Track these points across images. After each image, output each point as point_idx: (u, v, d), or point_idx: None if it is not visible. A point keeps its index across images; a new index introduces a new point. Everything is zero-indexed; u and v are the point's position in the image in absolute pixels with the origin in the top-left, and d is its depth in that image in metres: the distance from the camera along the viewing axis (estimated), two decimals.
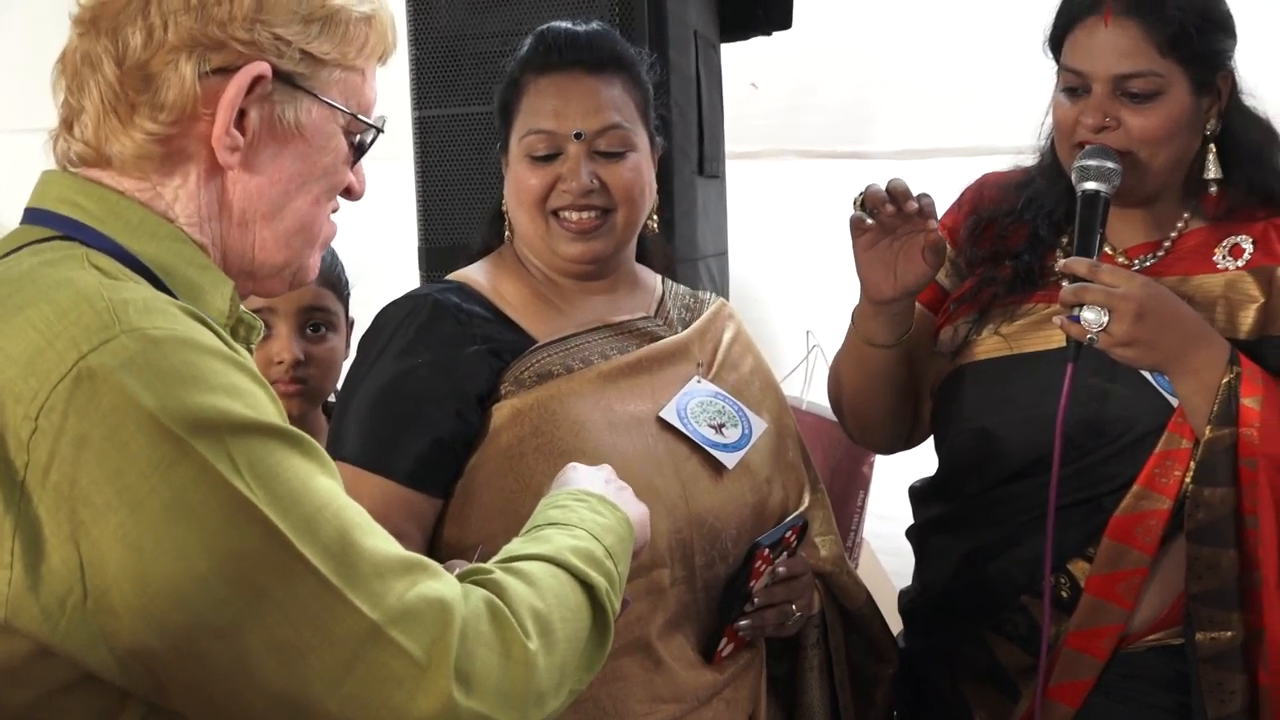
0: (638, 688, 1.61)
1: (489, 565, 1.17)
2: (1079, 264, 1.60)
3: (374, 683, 1.01)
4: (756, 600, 1.63)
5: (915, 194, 1.68)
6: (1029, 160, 1.84)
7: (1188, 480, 1.64)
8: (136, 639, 0.98)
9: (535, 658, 1.08)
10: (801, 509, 1.76)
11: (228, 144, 1.11)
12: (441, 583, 1.06)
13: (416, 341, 1.63)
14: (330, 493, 1.05)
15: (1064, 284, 1.62)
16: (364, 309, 1.82)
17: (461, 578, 1.12)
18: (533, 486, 1.55)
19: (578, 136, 1.65)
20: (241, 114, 1.11)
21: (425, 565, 1.07)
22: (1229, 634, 1.61)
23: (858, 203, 1.71)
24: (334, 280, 1.97)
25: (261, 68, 1.10)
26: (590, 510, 1.27)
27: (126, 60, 1.11)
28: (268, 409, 1.04)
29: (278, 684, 1.00)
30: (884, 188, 1.68)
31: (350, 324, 2.00)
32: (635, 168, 1.67)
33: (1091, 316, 1.59)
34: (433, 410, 1.61)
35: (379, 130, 1.21)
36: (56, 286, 1.03)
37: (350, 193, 1.21)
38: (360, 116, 1.18)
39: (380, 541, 1.06)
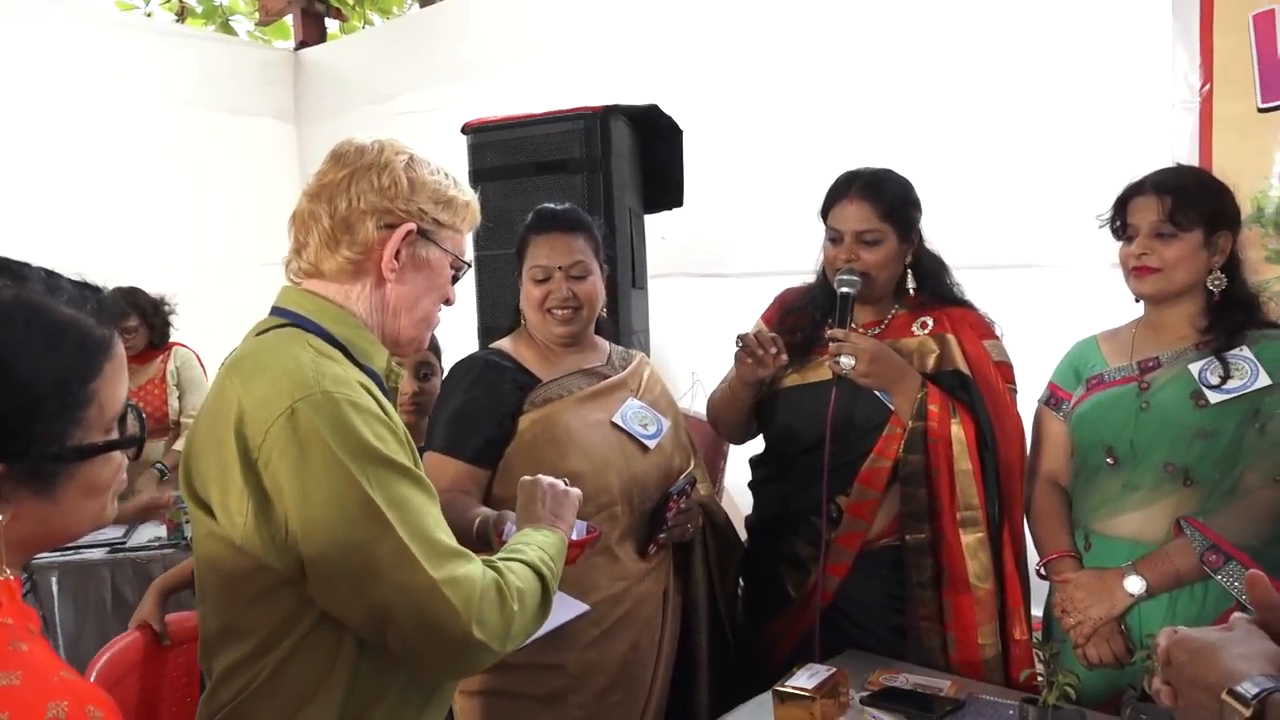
0: (603, 573, 1.63)
1: (498, 557, 1.11)
2: (838, 332, 1.68)
3: (433, 617, 0.97)
4: (670, 524, 1.66)
5: (765, 340, 1.69)
6: (811, 278, 1.86)
7: (900, 450, 1.70)
8: (308, 558, 0.97)
9: (516, 615, 1.04)
10: (690, 469, 1.78)
11: (390, 267, 1.09)
12: (473, 566, 1.01)
13: (477, 381, 1.66)
14: (424, 505, 1.00)
15: (831, 344, 1.68)
16: (447, 361, 1.84)
17: (486, 561, 1.07)
18: (545, 462, 1.58)
19: (560, 268, 1.67)
20: (397, 252, 1.09)
21: (466, 555, 1.02)
22: (922, 535, 1.70)
23: (739, 344, 1.71)
24: (434, 347, 2.04)
25: (411, 225, 1.09)
26: (541, 537, 1.18)
27: (336, 216, 1.09)
28: (396, 449, 1.00)
29: (380, 605, 0.96)
30: (753, 337, 1.70)
31: (441, 371, 2.03)
32: (594, 285, 1.70)
33: (845, 361, 1.66)
34: (486, 420, 1.62)
35: (468, 265, 1.19)
36: (287, 357, 1.01)
37: (448, 301, 1.18)
38: (460, 258, 1.16)
39: (445, 536, 1.01)
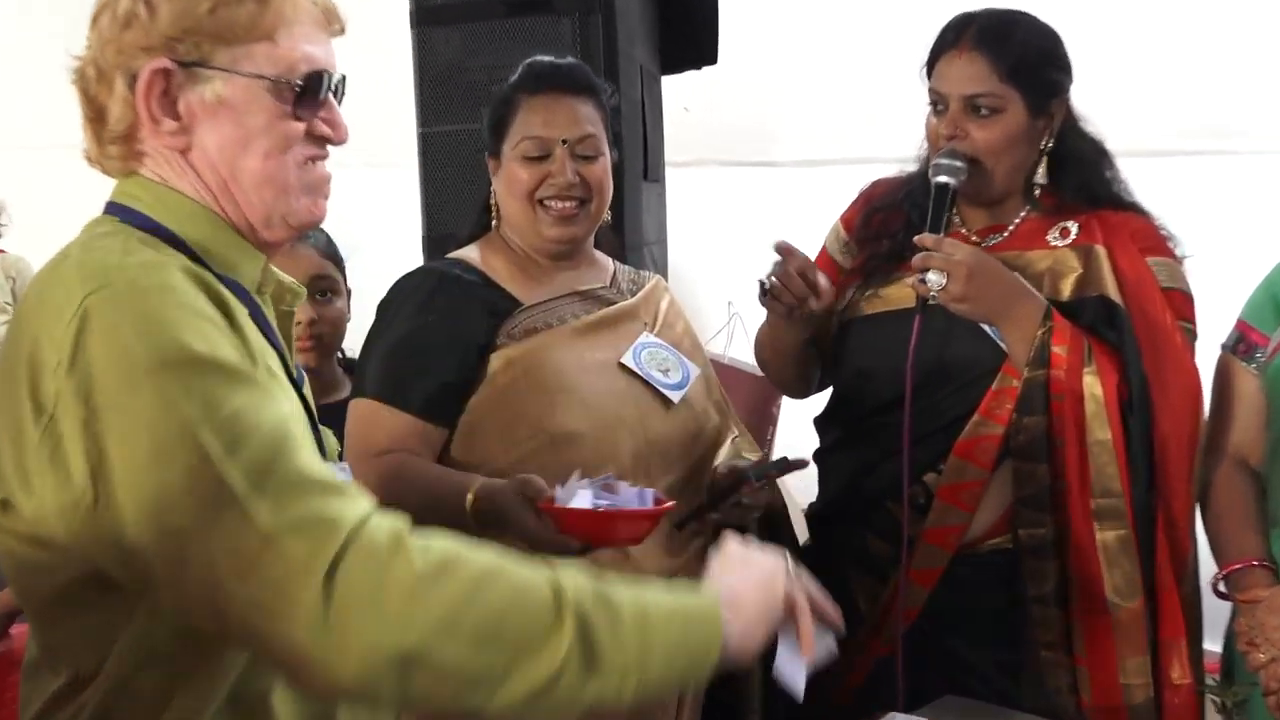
0: (608, 576, 1.50)
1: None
2: (926, 238, 1.58)
3: (269, 583, 0.87)
4: (731, 502, 1.61)
5: (794, 281, 1.64)
6: (912, 167, 1.79)
7: (1014, 411, 1.61)
8: (123, 531, 0.88)
9: (416, 583, 0.87)
10: (764, 456, 1.74)
11: (166, 130, 1.00)
12: (347, 504, 0.90)
13: (427, 303, 1.59)
14: (269, 423, 0.91)
15: (916, 257, 1.60)
16: (377, 283, 1.74)
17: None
18: (526, 417, 1.54)
19: (564, 142, 1.61)
20: (172, 105, 1.00)
21: (342, 489, 0.92)
22: (1043, 530, 1.61)
23: (762, 291, 1.67)
24: (332, 255, 1.88)
25: (160, 64, 0.98)
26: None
27: (88, 93, 1.01)
28: (228, 353, 0.92)
29: (203, 582, 0.87)
30: (777, 282, 1.64)
31: (349, 292, 1.91)
32: (605, 168, 1.65)
33: (934, 278, 1.56)
34: (442, 357, 1.57)
35: (324, 73, 1.03)
36: (88, 253, 0.96)
37: (326, 138, 1.06)
38: (284, 74, 1.01)
39: (306, 462, 0.92)
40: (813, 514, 1.87)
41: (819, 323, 1.75)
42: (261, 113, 1.02)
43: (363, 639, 0.85)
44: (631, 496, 1.39)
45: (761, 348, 1.87)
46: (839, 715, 1.58)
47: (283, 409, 0.94)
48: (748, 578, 1.00)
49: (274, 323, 1.07)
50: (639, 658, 0.91)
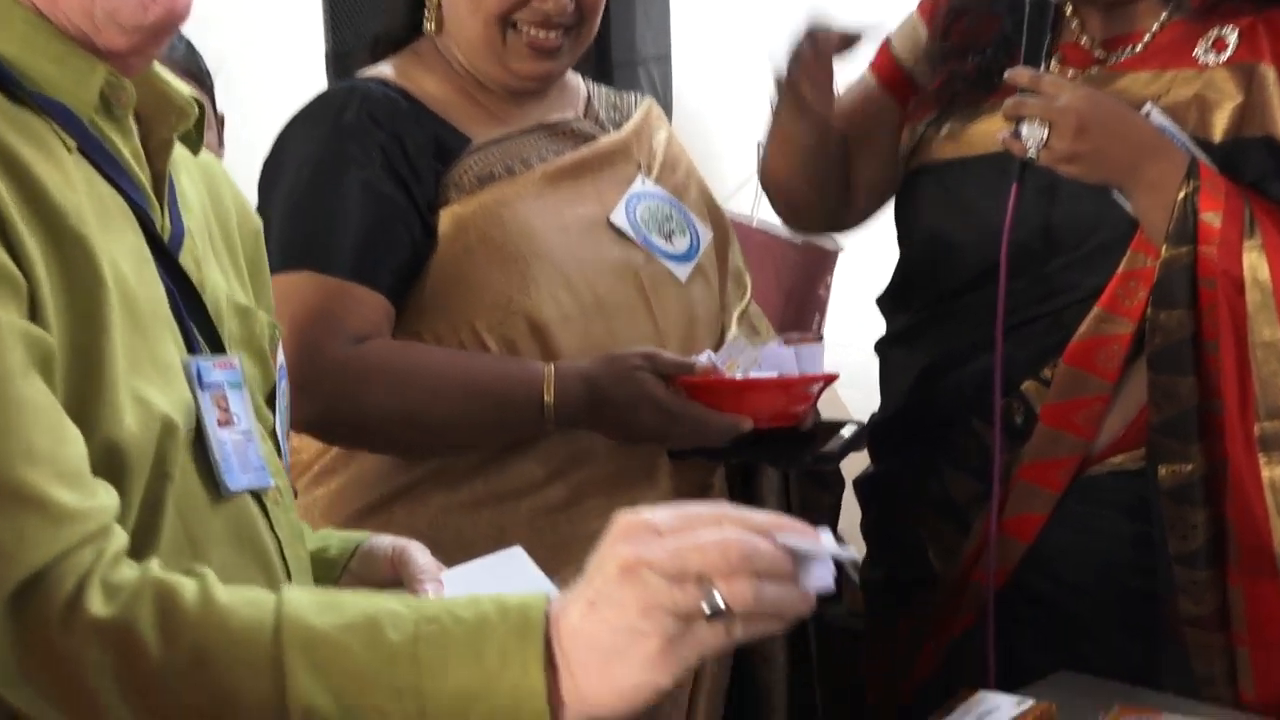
0: (601, 524, 1.57)
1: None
2: (1021, 75, 1.49)
3: None
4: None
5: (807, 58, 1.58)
6: None
7: (1148, 302, 1.52)
8: None
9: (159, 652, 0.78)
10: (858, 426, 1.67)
11: None
12: (86, 497, 0.80)
13: (340, 137, 1.48)
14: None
15: (1009, 100, 1.51)
16: (264, 113, 1.65)
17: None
18: (487, 296, 1.47)
19: None
20: None
21: (72, 477, 0.80)
22: (1189, 467, 1.50)
23: (774, 92, 1.62)
24: (195, 72, 1.76)
25: None
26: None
27: None
28: None
29: None
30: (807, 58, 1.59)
31: (221, 120, 1.82)
32: None
33: (1031, 132, 1.48)
34: (403, 218, 1.46)
35: None
36: None
37: None
38: None
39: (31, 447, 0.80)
40: (873, 430, 1.79)
41: (866, 123, 1.71)
42: None
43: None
44: (786, 358, 1.42)
45: (770, 171, 1.79)
46: (906, 707, 1.57)
47: (44, 344, 0.83)
48: (619, 603, 0.77)
49: (135, 157, 0.97)
50: None
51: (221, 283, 0.99)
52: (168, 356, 0.88)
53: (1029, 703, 1.31)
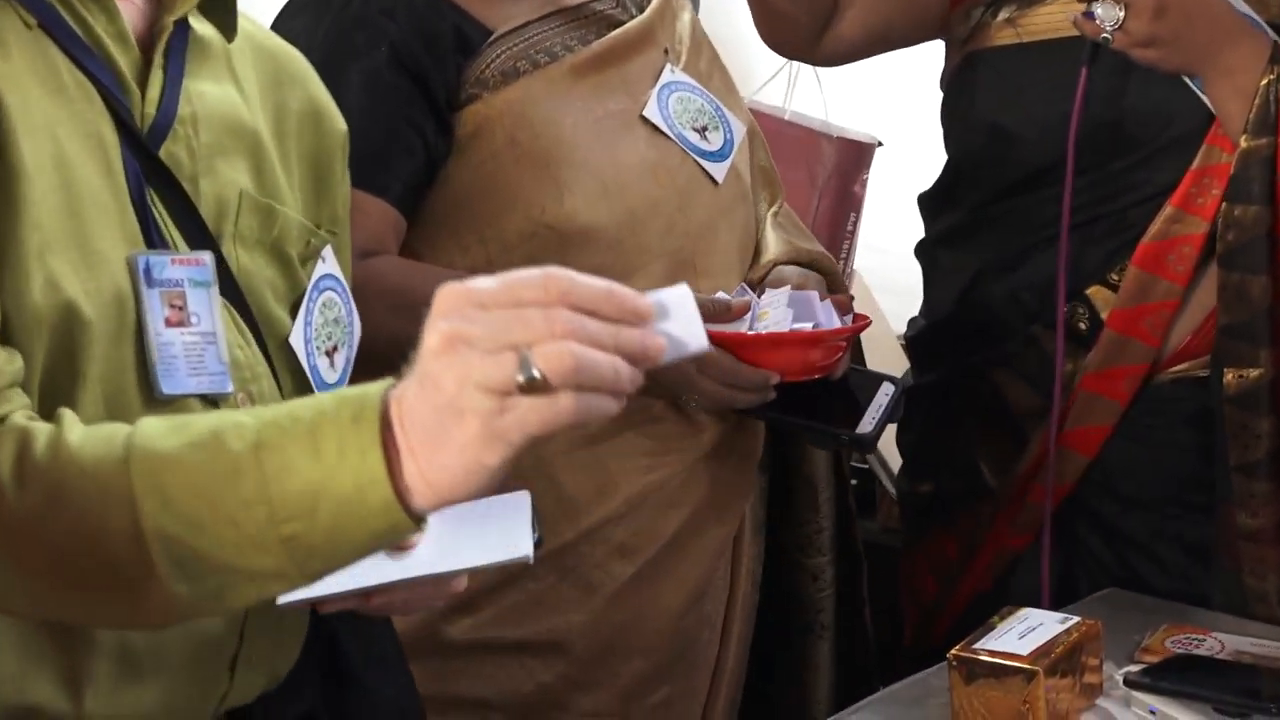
0: (630, 452, 1.49)
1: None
2: None
3: None
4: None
5: None
6: None
7: (1222, 201, 1.49)
8: None
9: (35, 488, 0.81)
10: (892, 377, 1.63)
11: None
12: None
13: (374, 29, 1.41)
14: None
15: None
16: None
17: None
18: (520, 204, 1.42)
19: None
20: None
21: None
22: (1257, 372, 1.47)
23: None
24: None
25: None
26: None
27: None
28: None
29: None
30: None
31: None
32: None
33: (1105, 12, 1.43)
34: (413, 119, 1.41)
35: None
36: None
37: None
38: None
39: None
40: (915, 335, 1.75)
41: None
42: None
43: None
44: (817, 305, 1.42)
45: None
46: (952, 627, 1.50)
47: None
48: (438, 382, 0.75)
49: (117, 39, 0.93)
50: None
51: (237, 178, 0.96)
52: (101, 246, 0.87)
53: (1074, 620, 1.30)
